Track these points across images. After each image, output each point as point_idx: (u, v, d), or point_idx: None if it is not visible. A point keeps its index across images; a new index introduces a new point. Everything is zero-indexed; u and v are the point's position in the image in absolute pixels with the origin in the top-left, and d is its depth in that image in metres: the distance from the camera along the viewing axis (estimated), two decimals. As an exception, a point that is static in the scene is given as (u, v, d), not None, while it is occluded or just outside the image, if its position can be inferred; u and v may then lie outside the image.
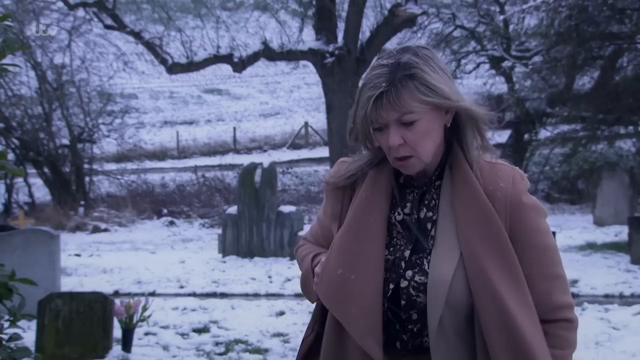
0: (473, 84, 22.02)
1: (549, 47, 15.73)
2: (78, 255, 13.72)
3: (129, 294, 9.03)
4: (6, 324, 2.68)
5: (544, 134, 20.06)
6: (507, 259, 1.75)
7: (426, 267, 1.77)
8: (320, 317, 1.95)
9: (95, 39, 20.95)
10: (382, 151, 1.84)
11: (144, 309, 6.50)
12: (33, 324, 6.34)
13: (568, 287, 1.87)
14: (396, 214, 1.85)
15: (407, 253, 1.81)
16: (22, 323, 2.93)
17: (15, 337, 2.69)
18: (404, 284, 1.78)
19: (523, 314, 1.73)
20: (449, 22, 18.20)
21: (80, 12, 18.64)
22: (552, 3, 14.23)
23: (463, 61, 19.46)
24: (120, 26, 16.76)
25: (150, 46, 16.84)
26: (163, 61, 16.80)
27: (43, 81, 20.19)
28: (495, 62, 18.86)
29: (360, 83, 1.82)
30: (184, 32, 17.27)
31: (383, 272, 1.79)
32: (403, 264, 1.79)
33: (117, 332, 6.39)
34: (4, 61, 2.65)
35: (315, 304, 1.99)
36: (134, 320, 6.42)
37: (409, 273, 1.78)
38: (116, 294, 9.39)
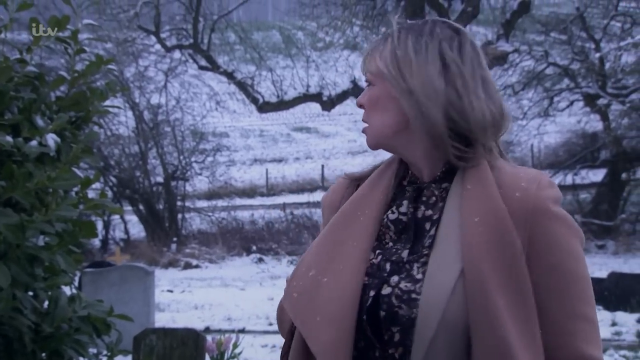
0: (566, 121, 21.54)
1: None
2: (170, 291, 14.00)
3: (219, 331, 9.11)
4: (104, 359, 2.73)
5: (642, 173, 19.38)
6: (517, 282, 1.36)
7: (415, 273, 1.40)
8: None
9: (190, 80, 21.57)
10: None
11: (235, 346, 6.53)
12: (128, 359, 6.46)
13: (599, 338, 1.41)
14: (389, 212, 1.52)
15: (404, 254, 1.45)
16: (118, 358, 2.98)
17: (112, 373, 2.74)
18: (386, 290, 1.40)
19: (527, 357, 1.34)
20: (542, 59, 17.91)
21: (176, 54, 19.28)
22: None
23: (556, 99, 19.08)
24: (214, 67, 17.20)
25: (242, 86, 17.19)
26: (254, 100, 17.11)
27: (140, 121, 20.80)
28: (590, 100, 18.38)
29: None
30: (275, 72, 17.57)
31: (363, 277, 1.42)
32: (388, 267, 1.44)
33: (207, 368, 6.44)
34: (106, 103, 2.74)
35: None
36: (225, 357, 6.44)
37: (395, 278, 1.41)
38: (207, 330, 9.50)
